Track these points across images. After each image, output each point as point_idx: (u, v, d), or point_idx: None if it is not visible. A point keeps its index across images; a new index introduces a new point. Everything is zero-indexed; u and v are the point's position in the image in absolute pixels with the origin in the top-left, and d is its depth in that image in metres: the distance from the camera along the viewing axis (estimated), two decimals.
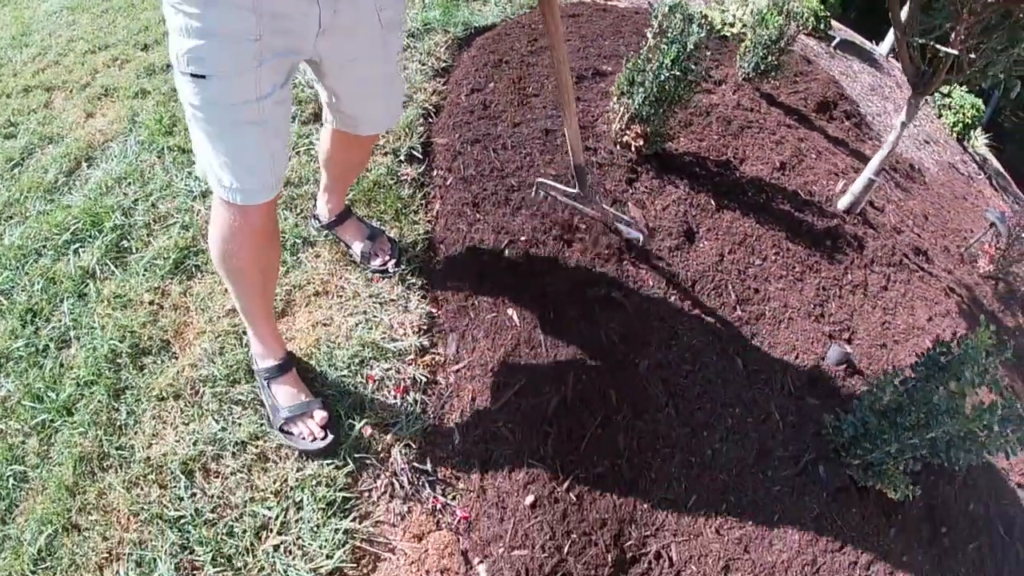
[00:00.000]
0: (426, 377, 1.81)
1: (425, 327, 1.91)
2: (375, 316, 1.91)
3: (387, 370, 1.81)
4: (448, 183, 2.21)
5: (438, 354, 1.88)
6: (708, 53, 2.17)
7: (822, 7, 4.52)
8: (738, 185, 2.53)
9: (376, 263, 1.98)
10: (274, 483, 1.61)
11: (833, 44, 4.55)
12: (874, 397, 1.70)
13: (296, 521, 1.56)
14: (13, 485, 1.62)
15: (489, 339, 1.83)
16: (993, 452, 1.51)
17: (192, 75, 1.15)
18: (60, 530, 1.55)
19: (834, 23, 4.89)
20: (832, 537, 1.77)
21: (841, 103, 3.51)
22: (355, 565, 1.54)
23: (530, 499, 1.58)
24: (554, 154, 2.27)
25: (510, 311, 1.89)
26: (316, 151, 2.19)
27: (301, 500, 1.58)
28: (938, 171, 3.96)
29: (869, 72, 4.61)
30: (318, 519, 1.55)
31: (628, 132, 2.22)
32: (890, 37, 5.36)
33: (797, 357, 1.99)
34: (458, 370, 1.83)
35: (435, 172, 2.28)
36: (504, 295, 1.94)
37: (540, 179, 2.15)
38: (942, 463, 1.60)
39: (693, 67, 1.99)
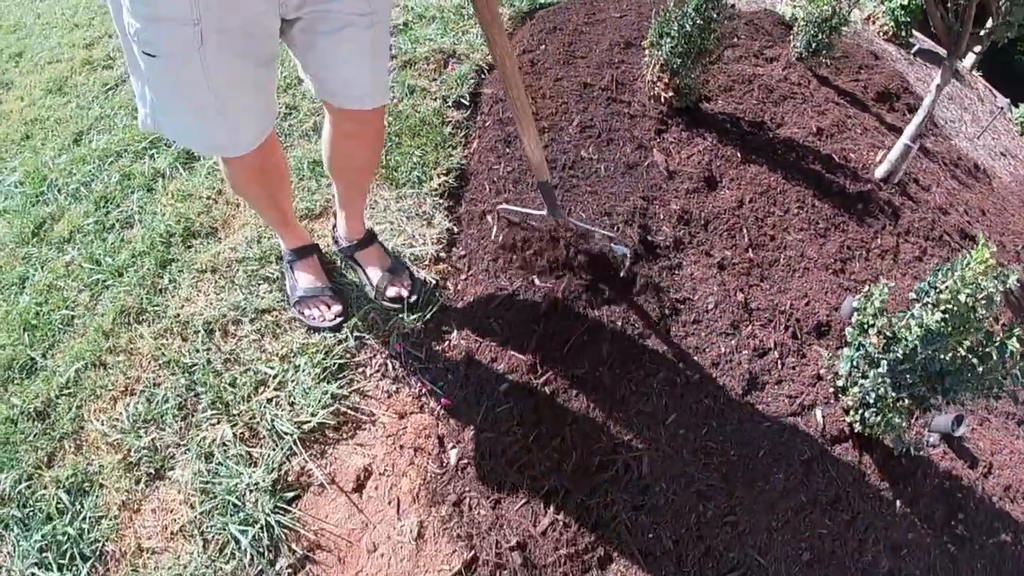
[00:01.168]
0: (435, 280, 1.91)
1: (444, 240, 2.01)
2: (400, 226, 2.03)
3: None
4: (487, 124, 2.32)
5: (451, 264, 1.97)
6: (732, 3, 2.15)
7: (904, 12, 4.31)
8: (769, 144, 2.49)
9: (391, 293, 1.81)
10: (281, 348, 1.74)
11: (913, 51, 4.36)
12: (871, 327, 1.62)
13: (292, 381, 1.68)
14: (59, 327, 1.85)
15: (498, 258, 1.91)
16: (994, 386, 1.42)
17: (144, 53, 1.16)
18: (89, 365, 1.75)
19: (917, 33, 4.67)
20: (824, 488, 1.69)
21: (905, 96, 3.34)
22: (336, 427, 1.64)
23: (504, 386, 1.63)
24: (588, 104, 2.34)
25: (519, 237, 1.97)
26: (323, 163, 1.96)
27: (300, 364, 1.70)
28: (1010, 180, 3.69)
29: (950, 84, 4.39)
30: (311, 382, 1.67)
31: (659, 84, 2.25)
32: (977, 48, 5.10)
33: (808, 304, 1.93)
34: (465, 278, 1.91)
35: (478, 117, 2.40)
36: (525, 230, 2.02)
37: (501, 206, 1.92)
38: (939, 401, 1.52)
39: (715, 15, 2.02)
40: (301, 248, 1.80)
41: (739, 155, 2.29)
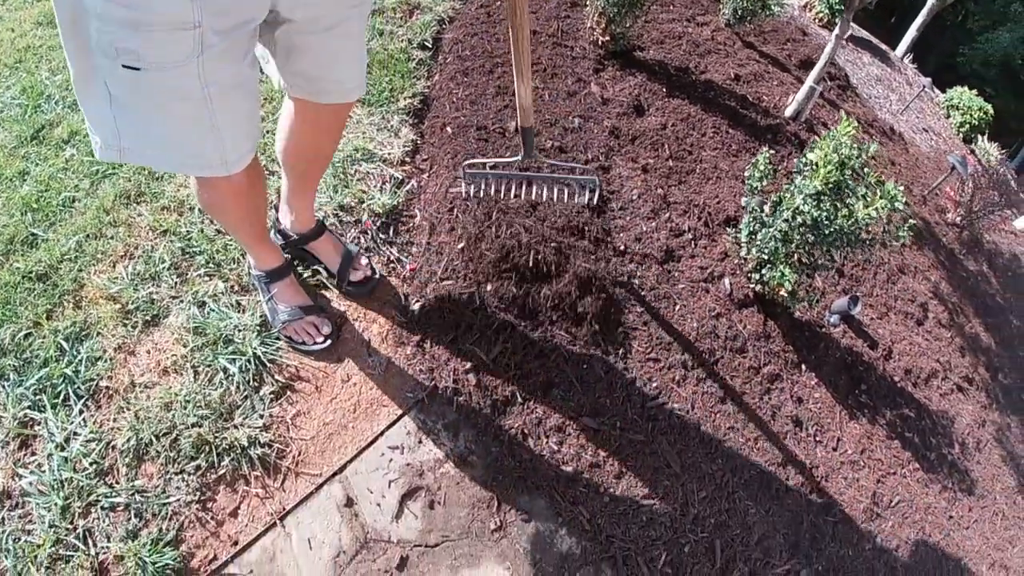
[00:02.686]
0: (402, 175, 2.16)
1: (409, 148, 2.27)
2: (371, 136, 2.28)
3: (372, 168, 2.17)
4: (447, 61, 2.61)
5: (415, 166, 2.23)
6: None
7: (838, 1, 4.51)
8: (692, 84, 2.82)
9: (356, 277, 1.81)
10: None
11: (845, 35, 4.78)
12: (758, 190, 1.93)
13: None
14: (60, 208, 2.01)
15: (457, 155, 2.18)
16: (857, 240, 1.75)
17: (125, 66, 0.98)
18: (90, 236, 1.92)
19: (851, 22, 5.08)
20: (733, 338, 1.98)
21: (829, 67, 3.68)
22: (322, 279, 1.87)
23: (460, 246, 1.88)
24: (536, 47, 2.66)
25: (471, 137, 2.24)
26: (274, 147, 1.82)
27: None
28: (928, 151, 4.14)
29: (879, 66, 4.84)
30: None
31: (597, 30, 2.58)
32: (908, 38, 5.64)
33: (719, 203, 2.25)
34: (427, 175, 2.17)
35: (439, 56, 2.69)
36: (471, 130, 2.29)
37: (467, 162, 1.78)
38: (820, 256, 1.84)
39: None
40: (277, 269, 1.68)
41: (664, 91, 2.62)
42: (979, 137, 4.93)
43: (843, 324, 2.30)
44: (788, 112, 2.86)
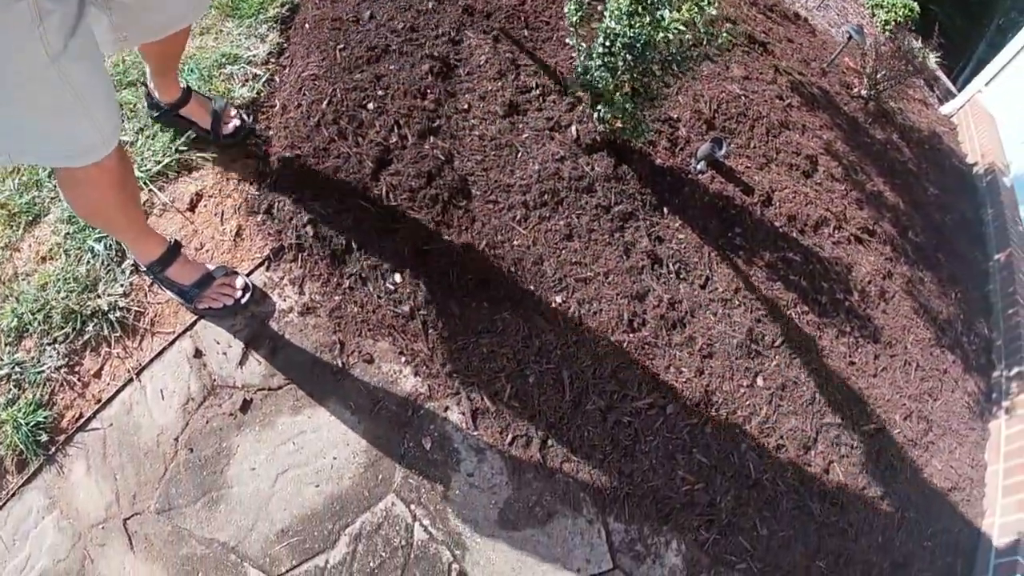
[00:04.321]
0: (265, 72, 2.24)
1: (275, 50, 2.35)
2: (239, 43, 2.36)
3: (236, 69, 2.26)
4: None
5: (278, 64, 2.31)
6: None
7: None
8: None
9: (229, 130, 1.92)
10: (138, 125, 2.06)
11: None
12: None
13: (145, 142, 1.99)
14: None
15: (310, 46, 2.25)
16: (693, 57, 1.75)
17: None
18: None
19: None
20: (579, 179, 2.01)
21: None
22: (178, 170, 1.96)
23: (316, 119, 1.96)
24: None
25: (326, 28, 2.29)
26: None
27: (155, 132, 2.01)
28: (840, 39, 4.03)
29: None
30: (162, 143, 1.99)
31: None
32: None
33: (574, 64, 2.28)
34: (287, 70, 2.25)
35: None
36: (326, 21, 2.33)
37: None
38: (649, 82, 1.85)
39: None
40: (164, 255, 1.64)
41: None
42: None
43: (711, 171, 2.31)
44: None
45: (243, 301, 1.69)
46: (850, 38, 3.12)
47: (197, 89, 2.13)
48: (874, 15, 4.92)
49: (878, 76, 3.14)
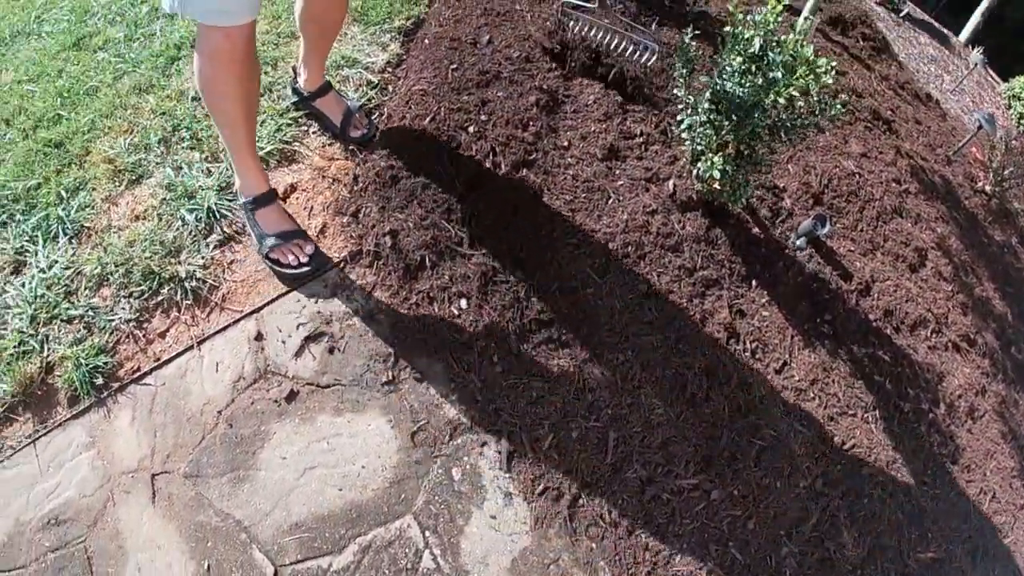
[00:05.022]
0: (379, 80, 2.31)
1: (393, 60, 2.42)
2: (361, 48, 2.46)
3: (352, 72, 2.34)
4: None
5: (392, 74, 2.38)
6: None
7: None
8: (683, 14, 2.76)
9: (356, 134, 2.05)
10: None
11: (901, 14, 4.50)
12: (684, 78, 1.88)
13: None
14: (84, 95, 2.32)
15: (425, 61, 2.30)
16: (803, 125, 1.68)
17: None
18: (102, 116, 2.20)
19: (910, 3, 4.73)
20: (667, 236, 1.94)
21: (862, 27, 3.47)
22: (279, 159, 2.04)
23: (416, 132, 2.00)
24: None
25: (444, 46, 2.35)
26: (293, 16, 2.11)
27: (264, 119, 2.10)
28: (971, 126, 3.80)
29: (936, 47, 4.48)
30: (268, 130, 2.08)
31: None
32: (972, 23, 5.17)
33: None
34: (400, 82, 2.31)
35: None
36: (444, 40, 2.39)
37: (562, 1, 2.34)
38: (754, 148, 1.78)
39: None
40: (263, 195, 1.76)
41: (656, 16, 2.61)
42: None
43: (811, 249, 2.18)
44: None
45: (304, 267, 1.75)
46: (980, 127, 2.94)
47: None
48: (1010, 106, 4.66)
49: (1005, 172, 2.94)
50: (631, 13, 2.51)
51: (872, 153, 2.66)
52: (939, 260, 2.55)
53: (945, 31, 5.07)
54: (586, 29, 2.32)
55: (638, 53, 2.30)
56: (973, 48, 4.86)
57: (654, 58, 2.30)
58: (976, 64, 4.23)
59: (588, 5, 2.33)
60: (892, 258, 2.40)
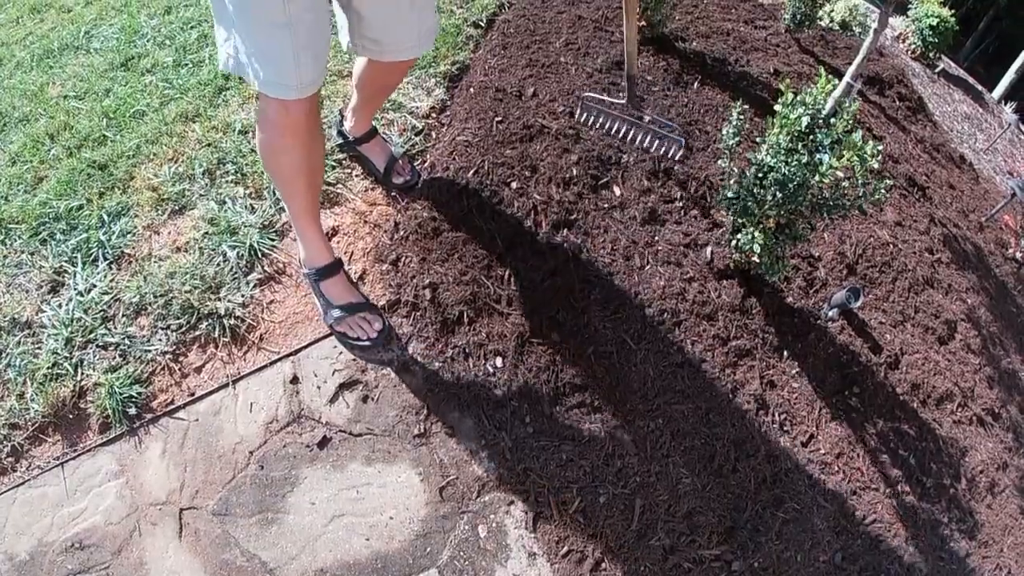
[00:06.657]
0: (423, 125, 2.36)
1: (437, 106, 2.47)
2: (406, 92, 2.51)
3: (397, 116, 2.38)
4: (493, 38, 2.81)
5: (436, 120, 2.43)
6: None
7: (932, 34, 4.35)
8: (725, 75, 2.81)
9: (399, 181, 2.07)
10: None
11: (937, 70, 4.55)
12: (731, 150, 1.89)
13: None
14: (130, 118, 2.38)
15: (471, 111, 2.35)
16: (845, 206, 1.71)
17: None
18: (148, 141, 2.26)
19: (946, 59, 4.76)
20: (702, 305, 1.98)
21: (899, 87, 3.51)
22: (322, 201, 2.08)
23: (460, 186, 2.04)
24: (576, 30, 2.80)
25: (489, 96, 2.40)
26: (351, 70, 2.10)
27: None
28: (1004, 190, 3.84)
29: (970, 105, 4.53)
30: None
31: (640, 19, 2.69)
32: (1006, 80, 5.23)
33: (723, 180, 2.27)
34: (444, 129, 2.36)
35: (488, 34, 2.89)
36: (490, 91, 2.45)
37: (586, 94, 2.31)
38: (795, 220, 1.81)
39: None
40: (327, 266, 1.73)
41: (693, 78, 2.66)
42: None
43: (842, 320, 2.21)
44: (824, 112, 2.78)
45: (371, 344, 1.71)
46: (1014, 195, 2.98)
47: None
48: None
49: None
50: (660, 104, 2.53)
51: (907, 221, 2.70)
52: (968, 332, 2.57)
53: (979, 87, 5.14)
54: (608, 124, 2.29)
55: (664, 148, 2.27)
56: (1006, 104, 4.92)
57: (680, 152, 2.27)
58: (1010, 124, 4.28)
59: (616, 101, 2.29)
60: (922, 330, 2.42)
